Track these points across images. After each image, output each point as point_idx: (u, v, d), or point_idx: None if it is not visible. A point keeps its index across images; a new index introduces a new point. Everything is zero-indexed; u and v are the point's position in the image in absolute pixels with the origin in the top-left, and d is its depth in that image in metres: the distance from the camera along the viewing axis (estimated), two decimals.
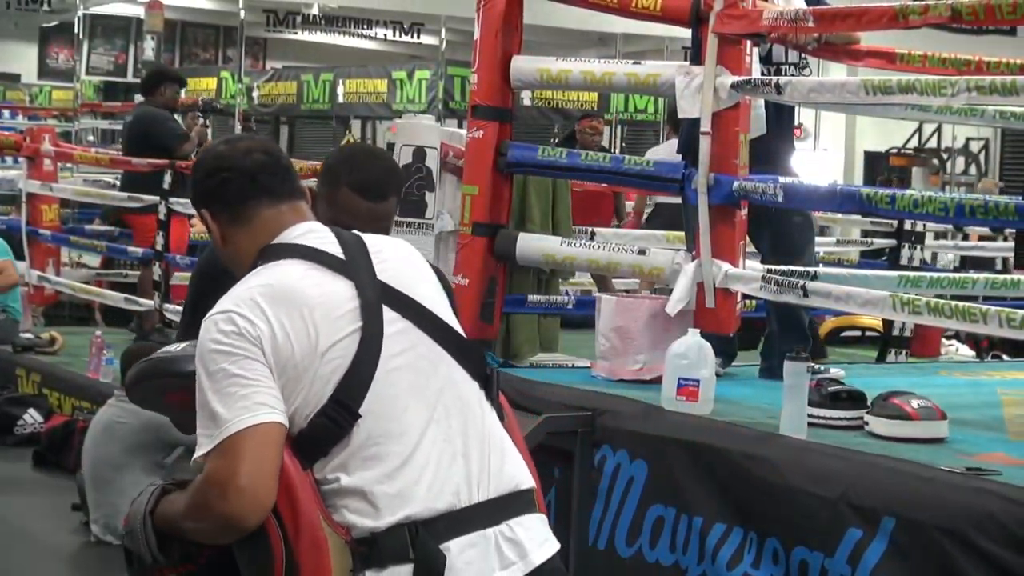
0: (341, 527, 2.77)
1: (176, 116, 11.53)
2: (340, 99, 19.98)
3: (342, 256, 2.92)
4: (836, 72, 14.16)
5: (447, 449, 2.86)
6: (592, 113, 14.89)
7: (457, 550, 2.79)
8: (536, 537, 2.94)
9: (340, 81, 19.89)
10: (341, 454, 2.79)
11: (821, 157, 21.50)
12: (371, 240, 3.02)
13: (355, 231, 3.05)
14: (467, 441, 2.90)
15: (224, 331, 2.78)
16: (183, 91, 11.97)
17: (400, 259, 3.02)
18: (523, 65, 6.25)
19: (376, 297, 2.87)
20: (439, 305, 3.00)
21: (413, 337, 2.90)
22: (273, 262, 2.92)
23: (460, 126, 17.33)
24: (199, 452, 2.77)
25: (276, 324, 2.78)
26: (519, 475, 2.98)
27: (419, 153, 6.57)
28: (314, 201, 3.57)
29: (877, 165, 21.65)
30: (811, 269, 5.76)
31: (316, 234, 2.99)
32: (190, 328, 3.69)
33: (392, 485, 2.78)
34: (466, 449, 2.89)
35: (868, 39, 6.13)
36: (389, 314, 2.87)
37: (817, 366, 5.43)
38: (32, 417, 9.29)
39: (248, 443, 2.71)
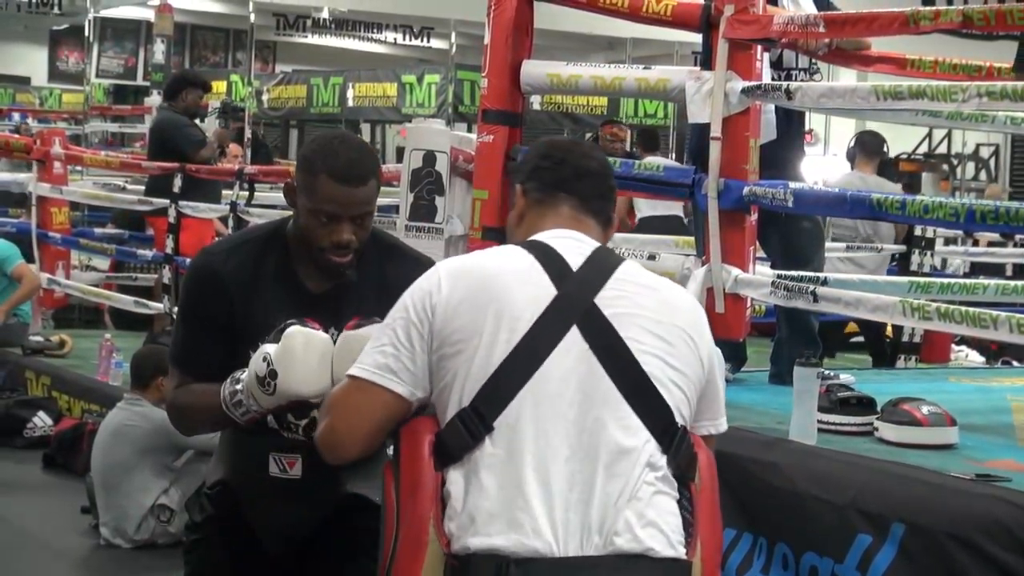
0: (446, 536, 2.77)
1: (197, 121, 11.48)
2: (350, 103, 19.98)
3: (572, 265, 2.91)
4: (846, 77, 14.15)
5: (570, 494, 2.76)
6: (614, 120, 14.90)
7: None
8: None
9: (350, 85, 19.88)
10: (468, 465, 2.79)
11: (831, 162, 21.46)
12: (630, 270, 2.97)
13: (621, 256, 3.06)
14: (597, 491, 2.76)
15: (420, 288, 2.93)
16: (206, 96, 11.92)
17: (645, 297, 2.93)
18: (533, 70, 6.25)
19: (571, 315, 2.84)
20: (647, 351, 2.87)
21: (588, 369, 2.82)
22: (507, 246, 3.00)
23: (470, 130, 17.28)
24: (348, 369, 2.98)
25: (457, 297, 2.85)
26: (656, 542, 2.78)
27: (429, 157, 6.57)
28: (292, 194, 3.58)
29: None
30: (821, 274, 5.76)
31: (572, 241, 2.98)
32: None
33: (497, 509, 2.74)
34: (591, 498, 2.76)
35: (879, 44, 6.14)
36: (574, 336, 2.82)
37: (827, 372, 5.43)
38: (42, 420, 9.30)
39: (362, 395, 2.92)
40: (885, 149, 10.73)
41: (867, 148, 10.55)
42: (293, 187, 3.57)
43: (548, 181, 3.09)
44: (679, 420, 2.88)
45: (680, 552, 2.81)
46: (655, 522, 2.79)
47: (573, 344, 2.81)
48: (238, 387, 3.36)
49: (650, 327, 2.88)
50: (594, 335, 2.82)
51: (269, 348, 3.30)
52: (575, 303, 2.84)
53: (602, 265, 2.92)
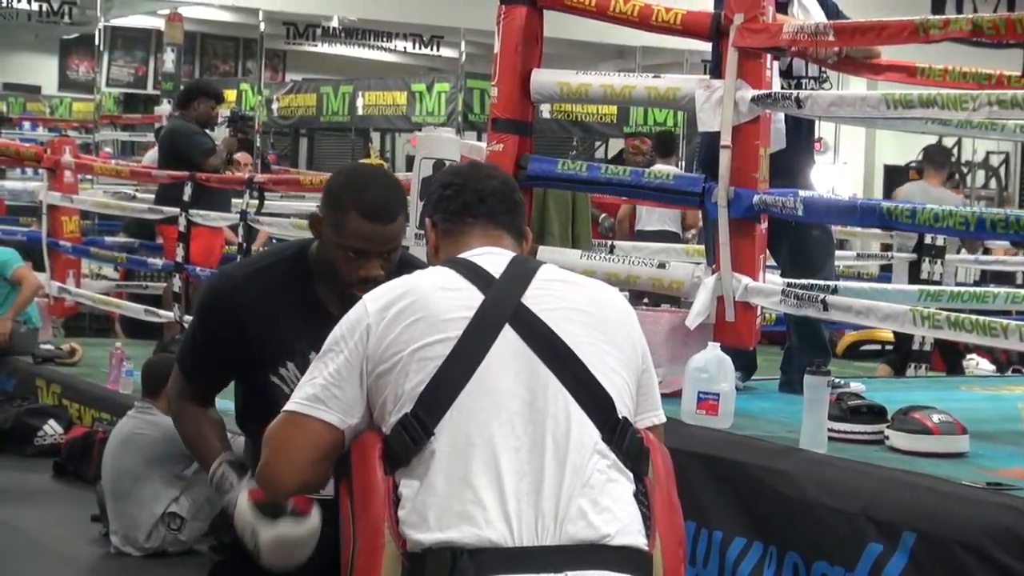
0: (401, 537, 2.78)
1: (207, 131, 11.49)
2: (359, 111, 20.04)
3: (494, 273, 2.96)
4: (856, 86, 14.16)
5: (521, 485, 2.76)
6: (638, 133, 14.92)
7: None
8: None
9: (359, 93, 19.94)
10: (416, 467, 2.81)
11: (841, 170, 21.49)
12: (552, 270, 3.04)
13: (541, 261, 3.09)
14: (549, 481, 2.77)
15: (348, 319, 2.97)
16: (219, 106, 11.93)
17: (572, 293, 2.99)
18: (543, 78, 6.25)
19: (502, 315, 2.88)
20: (585, 344, 2.90)
21: (527, 364, 2.85)
22: (429, 270, 3.05)
23: (479, 138, 17.34)
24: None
25: (388, 316, 2.89)
26: (615, 530, 2.79)
27: (439, 166, 6.58)
28: (318, 226, 3.58)
29: (897, 178, 21.61)
30: (831, 283, 5.77)
31: (491, 255, 3.03)
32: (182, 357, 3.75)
33: (448, 504, 2.76)
34: (542, 489, 2.77)
35: (888, 53, 6.13)
36: (509, 335, 2.86)
37: (837, 380, 5.42)
38: (52, 428, 9.31)
39: (294, 428, 2.96)
40: (952, 160, 10.87)
41: (935, 161, 10.83)
42: (319, 218, 3.57)
43: (454, 209, 3.14)
44: (621, 409, 2.90)
45: (640, 542, 2.83)
46: (610, 508, 2.80)
47: (508, 342, 2.85)
48: (224, 500, 3.49)
49: (582, 319, 2.93)
50: (528, 331, 2.87)
51: (258, 529, 3.21)
52: (503, 304, 2.89)
53: (523, 269, 2.99)
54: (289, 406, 2.96)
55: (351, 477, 2.90)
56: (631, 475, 2.89)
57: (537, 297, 2.92)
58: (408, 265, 3.71)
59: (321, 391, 2.94)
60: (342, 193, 3.52)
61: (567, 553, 2.75)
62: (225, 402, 3.83)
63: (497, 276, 2.94)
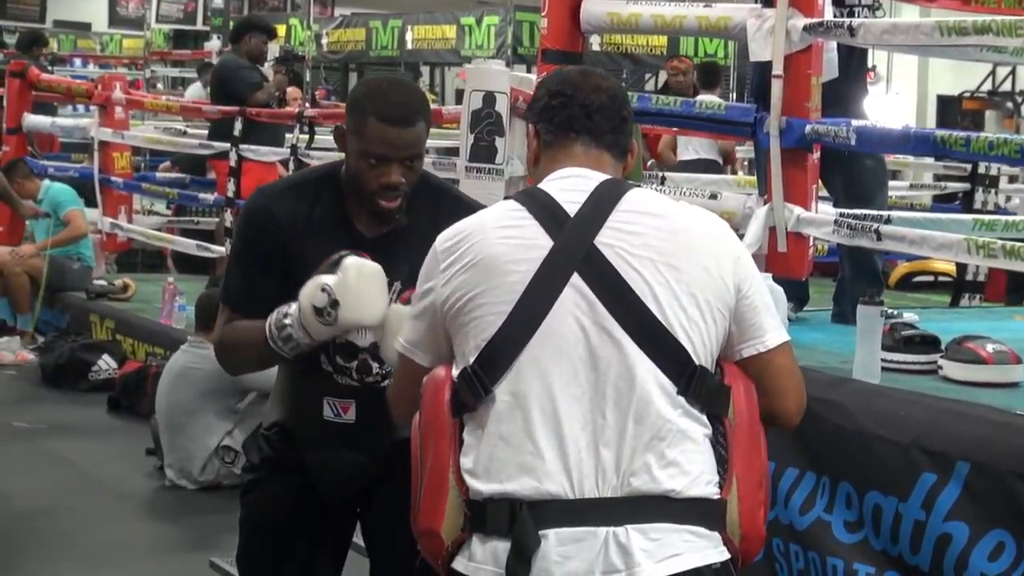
0: (464, 484, 2.76)
1: (258, 66, 11.47)
2: (408, 46, 19.98)
3: (569, 210, 2.82)
4: (909, 14, 14.02)
5: (582, 436, 2.71)
6: (676, 55, 14.82)
7: (556, 540, 2.67)
8: (657, 551, 2.68)
9: (408, 28, 19.87)
10: (480, 415, 2.78)
11: (893, 101, 21.32)
12: (635, 200, 2.86)
13: (628, 185, 2.92)
14: (611, 432, 2.71)
15: (426, 262, 2.95)
16: (270, 41, 11.92)
17: (649, 228, 2.81)
18: (593, 8, 6.22)
19: (570, 263, 2.77)
20: (654, 288, 2.76)
21: (592, 314, 2.75)
22: (503, 200, 2.98)
23: (529, 71, 17.27)
24: None
25: (453, 260, 2.84)
26: (681, 485, 2.71)
27: (489, 98, 6.55)
28: (342, 138, 3.58)
29: (950, 109, 21.44)
30: (884, 213, 5.72)
31: (575, 180, 2.90)
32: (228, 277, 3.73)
33: (509, 456, 2.73)
34: (605, 440, 2.71)
35: None
36: (576, 283, 2.76)
37: (890, 311, 5.39)
38: (106, 363, 9.39)
39: (402, 368, 3.04)
40: None
41: None
42: (343, 131, 3.56)
43: (558, 121, 2.99)
44: (696, 356, 2.77)
45: (709, 492, 2.75)
46: (677, 461, 2.72)
47: (575, 291, 2.75)
48: (287, 320, 3.38)
49: (657, 259, 2.78)
50: (596, 279, 2.75)
51: (326, 279, 3.32)
52: (573, 250, 2.77)
53: (604, 200, 2.84)
54: (399, 345, 3.02)
55: (421, 412, 2.88)
56: (706, 419, 2.79)
57: (611, 237, 2.78)
58: (445, 193, 3.71)
59: (413, 333, 2.97)
60: (362, 100, 3.51)
61: (628, 505, 2.70)
62: None
63: (572, 213, 2.81)
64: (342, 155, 3.59)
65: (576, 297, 2.75)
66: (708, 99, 7.80)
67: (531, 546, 2.67)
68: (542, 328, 2.74)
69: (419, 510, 2.83)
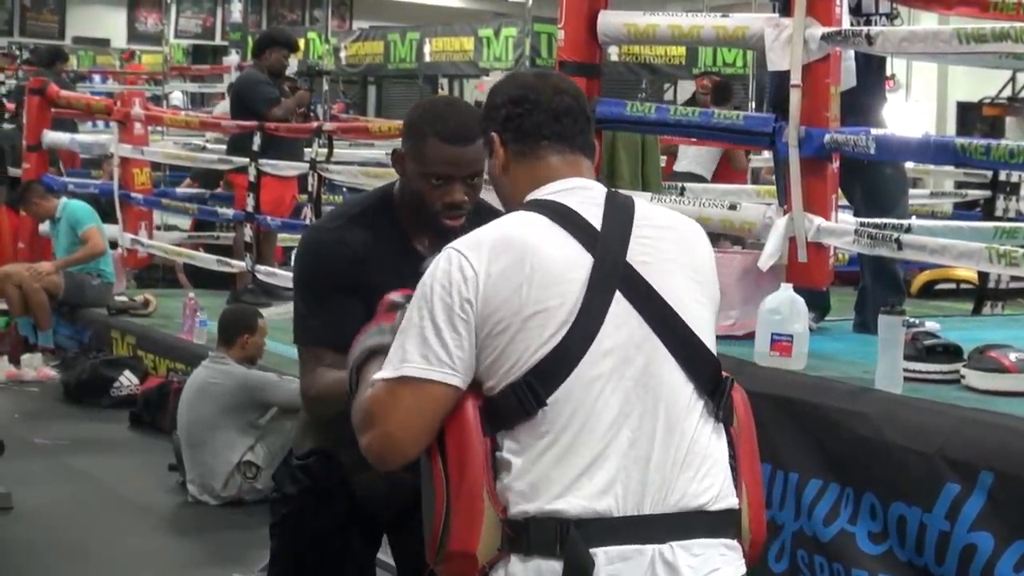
0: (500, 503, 2.71)
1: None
2: (427, 58, 19.97)
3: (596, 224, 2.79)
4: (927, 21, 14.00)
5: (630, 453, 2.70)
6: (707, 72, 14.80)
7: (605, 559, 2.66)
8: (701, 566, 2.71)
9: (426, 40, 19.86)
10: (522, 432, 2.71)
11: (913, 108, 21.27)
12: (645, 214, 2.87)
13: (629, 197, 2.91)
14: (656, 449, 2.71)
15: (446, 273, 2.75)
16: (292, 56, 11.91)
17: (667, 242, 2.84)
18: (610, 20, 6.21)
19: (611, 278, 2.75)
20: (686, 302, 2.80)
21: (635, 330, 2.74)
22: (523, 212, 2.85)
23: None
24: (379, 373, 2.79)
25: (495, 272, 2.72)
26: (713, 496, 2.75)
27: None
28: (401, 162, 3.57)
29: (970, 115, 21.40)
30: (905, 221, 5.69)
31: (582, 193, 2.86)
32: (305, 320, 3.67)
33: (555, 473, 2.69)
34: (651, 456, 2.71)
35: None
36: (618, 300, 2.74)
37: (912, 319, 5.37)
38: (128, 379, 9.41)
39: (413, 395, 2.74)
40: None
41: None
42: (402, 154, 3.56)
43: (526, 129, 2.93)
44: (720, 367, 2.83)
45: (732, 502, 2.79)
46: (710, 473, 2.76)
47: (620, 309, 2.73)
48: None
49: (680, 272, 2.83)
50: (635, 294, 2.75)
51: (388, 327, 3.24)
52: (612, 267, 2.75)
53: (621, 216, 2.82)
54: (407, 370, 2.74)
55: (443, 435, 2.77)
56: (724, 429, 2.84)
57: (639, 253, 2.78)
58: (492, 212, 3.69)
59: (431, 352, 2.73)
60: (421, 122, 3.52)
61: (671, 522, 2.71)
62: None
63: (599, 227, 2.79)
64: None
65: (622, 314, 2.74)
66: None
67: (587, 567, 2.65)
68: (594, 345, 2.71)
69: (450, 536, 2.73)
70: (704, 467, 2.75)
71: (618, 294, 2.74)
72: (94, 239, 10.76)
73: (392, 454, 2.80)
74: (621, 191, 2.98)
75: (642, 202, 2.93)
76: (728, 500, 2.78)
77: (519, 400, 2.70)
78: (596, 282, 2.73)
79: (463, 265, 2.74)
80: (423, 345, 2.74)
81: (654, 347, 2.75)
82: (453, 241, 2.82)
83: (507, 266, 2.73)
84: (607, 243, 2.78)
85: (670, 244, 2.84)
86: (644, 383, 2.73)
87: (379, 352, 2.92)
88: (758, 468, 2.94)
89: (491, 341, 2.73)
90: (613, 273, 2.75)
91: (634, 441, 2.71)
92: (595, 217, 2.81)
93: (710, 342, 2.82)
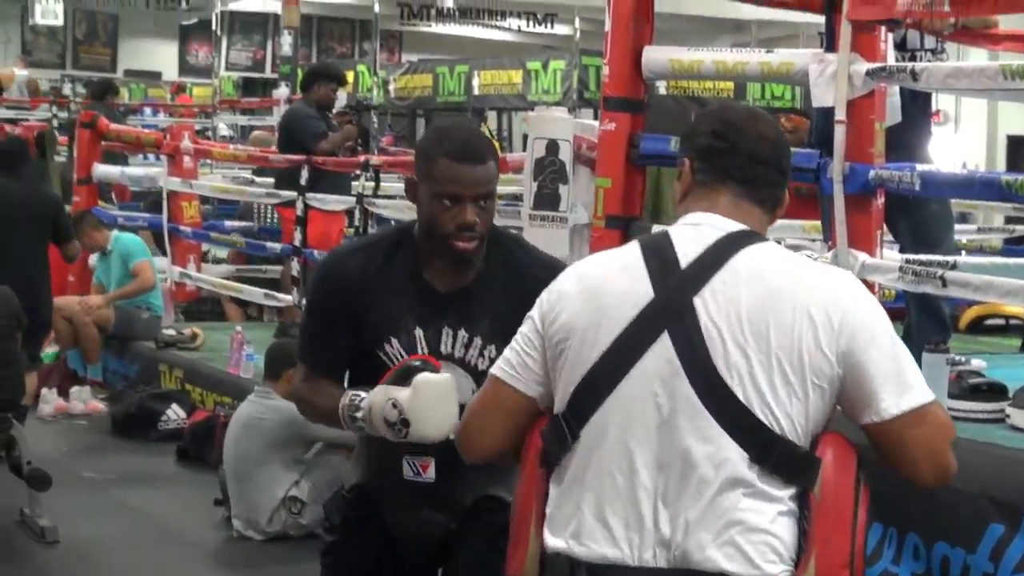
0: (541, 536, 2.78)
1: (328, 114, 11.50)
2: (475, 91, 20.02)
3: (684, 262, 2.75)
4: (977, 56, 13.94)
5: (647, 502, 2.67)
6: (794, 109, 14.66)
7: None
8: None
9: (475, 73, 19.91)
10: (565, 465, 2.78)
11: (962, 141, 21.19)
12: (752, 256, 2.76)
13: (753, 240, 2.80)
14: (674, 504, 2.66)
15: (546, 289, 2.91)
16: (340, 90, 11.95)
17: (746, 293, 2.71)
18: (654, 55, 6.21)
19: (663, 319, 2.71)
20: (739, 356, 2.68)
21: (672, 378, 2.69)
22: (629, 245, 2.91)
23: (595, 116, 17.21)
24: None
25: (563, 299, 2.84)
26: (732, 565, 2.64)
27: (552, 146, 6.56)
28: (414, 189, 3.60)
29: (1020, 149, 21.28)
30: (950, 258, 5.67)
31: (700, 228, 2.82)
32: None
33: (576, 514, 2.72)
34: (669, 510, 2.67)
35: (1006, 22, 6.03)
36: (664, 342, 2.70)
37: (957, 357, 5.34)
38: (175, 413, 9.43)
39: (490, 391, 2.96)
40: None
41: None
42: (414, 181, 3.59)
43: (717, 165, 2.90)
44: (779, 429, 2.67)
45: (772, 571, 2.65)
46: (734, 541, 2.65)
47: (662, 351, 2.68)
48: (358, 414, 3.43)
49: (747, 327, 2.69)
50: (683, 341, 2.69)
51: (397, 394, 3.34)
52: (670, 306, 2.70)
53: (717, 256, 2.74)
54: (492, 369, 2.96)
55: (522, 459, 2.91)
56: (787, 493, 2.69)
57: (710, 297, 2.71)
58: (519, 245, 3.71)
59: (516, 358, 2.90)
60: (430, 144, 3.58)
61: None
62: None
63: (684, 265, 2.74)
64: (405, 203, 3.64)
65: (661, 357, 2.70)
66: None
67: None
68: (622, 385, 2.70)
69: (507, 559, 2.87)
70: (729, 532, 2.65)
71: (666, 338, 2.70)
72: (146, 273, 10.82)
73: (466, 446, 3.05)
74: (760, 234, 2.87)
75: (763, 246, 2.81)
76: (762, 570, 2.66)
77: (558, 431, 2.77)
78: (643, 320, 2.71)
79: (555, 286, 2.89)
80: (510, 348, 2.94)
81: (686, 398, 2.68)
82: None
83: (571, 294, 2.82)
84: (676, 282, 2.73)
85: (751, 296, 2.71)
86: (669, 435, 2.68)
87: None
88: (842, 543, 2.73)
89: (554, 364, 2.83)
90: (667, 313, 2.71)
91: (651, 491, 2.68)
92: (691, 254, 2.76)
93: (759, 403, 2.67)
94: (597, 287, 2.79)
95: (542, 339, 2.85)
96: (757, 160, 2.89)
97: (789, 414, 2.68)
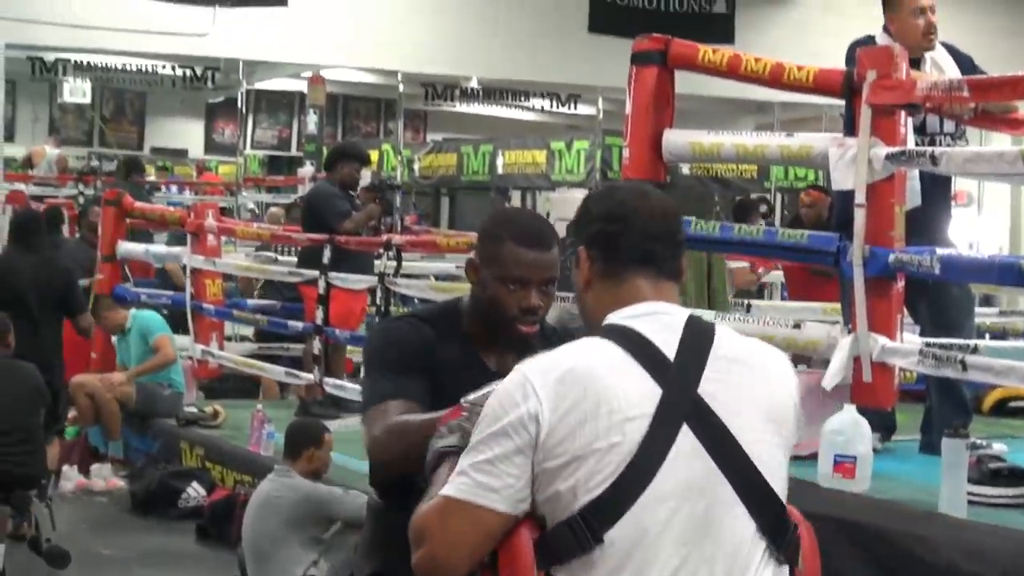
0: None
1: (351, 193, 11.53)
2: (499, 170, 20.10)
3: (670, 353, 2.72)
4: (1000, 141, 13.96)
5: None
6: (815, 185, 14.64)
7: None
8: None
9: (499, 152, 20.01)
10: (577, 568, 2.65)
11: (986, 222, 21.17)
12: (724, 343, 2.78)
13: (711, 324, 2.84)
14: None
15: (511, 397, 2.69)
16: (364, 169, 12.01)
17: (743, 375, 2.75)
18: (675, 138, 6.24)
19: (680, 413, 2.67)
20: (757, 441, 2.71)
21: (700, 470, 2.66)
22: (598, 339, 2.77)
23: None
24: (441, 488, 2.74)
25: (560, 404, 2.65)
26: None
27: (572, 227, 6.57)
28: (475, 272, 3.60)
29: None
30: (971, 342, 5.66)
31: (661, 319, 2.78)
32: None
33: None
34: None
35: None
36: (686, 435, 2.66)
37: (978, 441, 5.33)
38: (195, 490, 9.42)
39: (462, 517, 2.69)
40: None
41: None
42: (475, 263, 3.60)
43: (616, 250, 2.86)
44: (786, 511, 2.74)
45: None
46: None
47: (686, 443, 2.65)
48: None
49: (755, 408, 2.73)
50: (705, 432, 2.67)
51: None
52: (682, 400, 2.68)
53: (698, 344, 2.75)
54: (456, 491, 2.69)
55: (496, 565, 2.71)
56: (789, 571, 2.75)
57: (712, 386, 2.70)
58: (571, 328, 3.69)
59: (493, 478, 2.67)
60: (497, 227, 3.57)
61: None
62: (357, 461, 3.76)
63: (672, 358, 2.71)
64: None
65: (687, 451, 2.66)
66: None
67: None
68: (656, 480, 2.64)
69: None
70: None
71: (685, 428, 2.67)
72: (166, 347, 10.85)
73: (438, 568, 2.72)
74: (703, 317, 2.89)
75: (724, 330, 2.84)
76: None
77: (575, 535, 2.63)
78: (662, 417, 2.66)
79: (528, 393, 2.68)
80: (478, 469, 2.68)
81: (719, 490, 2.66)
82: (523, 363, 2.75)
83: (572, 399, 2.66)
84: (679, 375, 2.70)
85: (746, 378, 2.76)
86: (705, 529, 2.65)
87: (450, 454, 2.89)
88: None
89: (551, 474, 2.66)
90: (681, 407, 2.67)
91: None
92: (670, 345, 2.73)
93: (778, 484, 2.72)
94: (596, 389, 2.67)
95: (529, 455, 2.67)
96: (653, 237, 2.88)
97: (784, 490, 2.76)
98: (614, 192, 3.03)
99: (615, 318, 2.81)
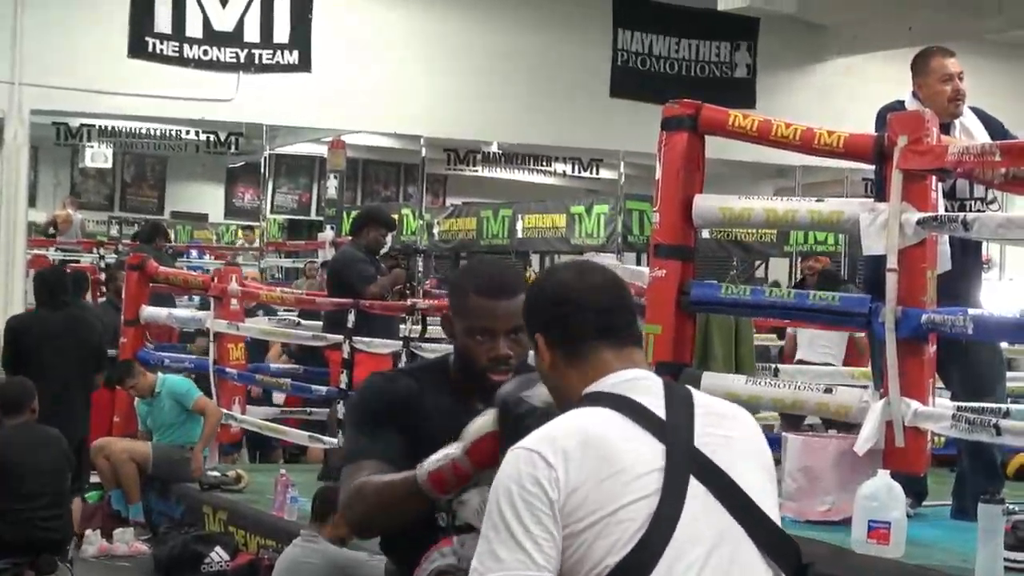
0: None
1: (376, 258, 11.55)
2: (519, 234, 20.13)
3: (661, 414, 2.79)
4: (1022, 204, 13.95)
5: None
6: (815, 253, 14.74)
7: None
8: None
9: (519, 216, 20.05)
10: None
11: (1008, 287, 21.12)
12: (702, 401, 2.88)
13: (686, 387, 2.92)
14: None
15: (524, 473, 2.70)
16: (390, 235, 12.03)
17: (731, 429, 2.85)
18: (705, 204, 6.24)
19: (685, 466, 2.74)
20: (756, 488, 2.80)
21: (717, 519, 2.73)
22: (588, 407, 2.81)
23: (639, 259, 17.31)
24: None
25: (576, 471, 2.68)
26: None
27: None
28: (451, 323, 3.62)
29: None
30: (1003, 406, 5.64)
31: (641, 383, 2.86)
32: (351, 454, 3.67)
33: None
34: None
35: None
36: (696, 488, 2.73)
37: (1012, 507, 5.30)
38: (219, 555, 9.39)
39: None
40: None
41: None
42: (449, 316, 3.64)
43: (572, 332, 2.92)
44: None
45: None
46: None
47: (698, 496, 2.71)
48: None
49: (748, 459, 2.84)
50: (710, 481, 2.74)
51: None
52: (684, 455, 2.74)
53: (681, 404, 2.84)
54: (513, 572, 2.66)
55: None
56: None
57: (707, 440, 2.78)
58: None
59: (534, 552, 2.66)
60: (461, 280, 3.65)
61: None
62: None
63: (664, 417, 2.78)
64: (451, 346, 3.64)
65: (700, 501, 2.72)
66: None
67: None
68: (677, 535, 2.67)
69: None
70: None
71: (695, 482, 2.73)
72: (209, 407, 10.92)
73: None
74: (679, 384, 2.97)
75: (697, 391, 2.93)
76: None
77: None
78: (671, 472, 2.72)
79: (538, 463, 2.70)
80: (517, 549, 2.67)
81: (738, 536, 2.73)
82: (522, 441, 2.77)
83: (585, 463, 2.69)
84: (675, 432, 2.77)
85: (735, 432, 2.86)
86: (724, 572, 2.70)
87: (447, 573, 2.94)
88: None
89: (574, 539, 2.68)
90: (686, 462, 2.74)
91: None
92: (658, 407, 2.80)
93: (782, 527, 2.83)
94: (607, 451, 2.71)
95: (556, 521, 2.68)
96: (605, 310, 2.93)
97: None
98: (552, 275, 3.10)
99: (596, 387, 2.87)
